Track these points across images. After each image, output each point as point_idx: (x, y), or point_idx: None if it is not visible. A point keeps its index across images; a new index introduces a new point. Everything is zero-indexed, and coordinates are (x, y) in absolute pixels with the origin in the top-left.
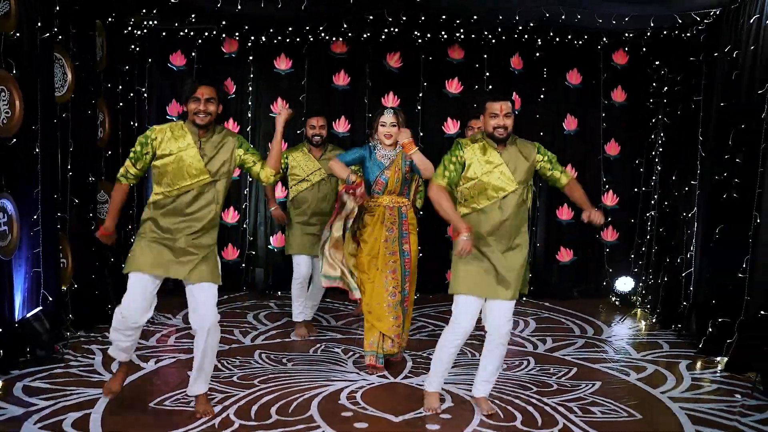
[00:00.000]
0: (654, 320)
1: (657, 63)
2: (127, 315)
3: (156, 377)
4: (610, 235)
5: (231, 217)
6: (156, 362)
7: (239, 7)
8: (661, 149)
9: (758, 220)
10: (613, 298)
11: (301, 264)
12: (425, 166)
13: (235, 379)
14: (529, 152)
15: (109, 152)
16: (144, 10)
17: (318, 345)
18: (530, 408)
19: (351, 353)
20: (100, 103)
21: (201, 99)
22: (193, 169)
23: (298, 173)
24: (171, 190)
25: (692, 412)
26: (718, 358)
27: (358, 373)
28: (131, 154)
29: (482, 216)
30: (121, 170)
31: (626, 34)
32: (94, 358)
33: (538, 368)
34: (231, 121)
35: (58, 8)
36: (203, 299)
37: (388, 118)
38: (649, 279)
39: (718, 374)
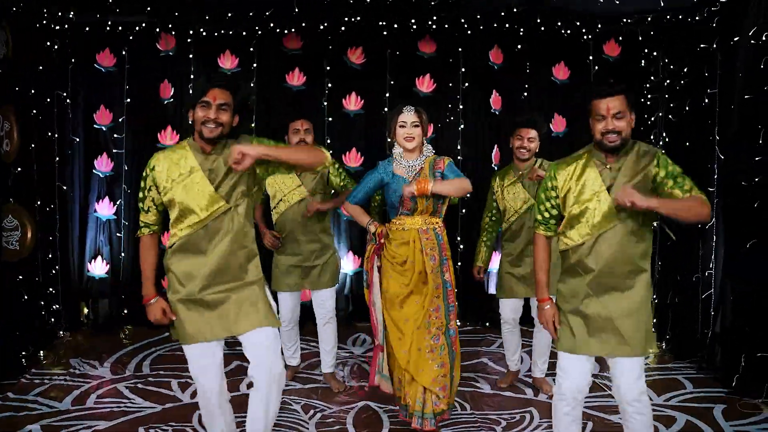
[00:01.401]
0: (664, 348)
1: (655, 53)
2: (207, 387)
3: None
4: None
5: None
6: None
7: None
8: (663, 151)
9: None
10: None
11: (282, 304)
12: (456, 189)
13: None
14: (645, 166)
15: (19, 168)
16: None
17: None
18: None
19: (313, 411)
20: (5, 110)
21: (212, 105)
22: (203, 198)
23: (276, 193)
24: (183, 227)
25: None
26: (758, 401)
27: None
28: (139, 195)
29: (573, 254)
30: (141, 220)
31: (625, 20)
32: None
33: (545, 425)
34: (169, 129)
35: None
36: (263, 345)
37: (408, 116)
38: (654, 299)
39: (761, 422)
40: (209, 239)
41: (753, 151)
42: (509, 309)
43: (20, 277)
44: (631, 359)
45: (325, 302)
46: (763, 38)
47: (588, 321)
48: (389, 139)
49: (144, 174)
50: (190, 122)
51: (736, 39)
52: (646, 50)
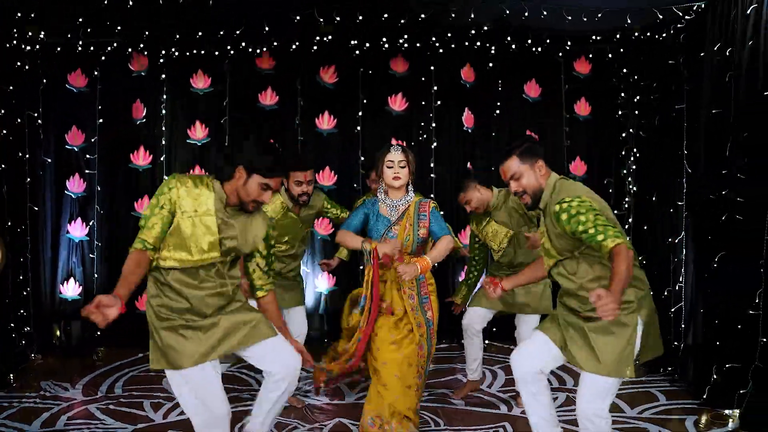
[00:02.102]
0: (638, 362)
1: (625, 70)
2: (217, 411)
3: None
4: None
5: None
6: None
7: (131, 4)
8: (634, 167)
9: None
10: None
11: None
12: (443, 253)
13: None
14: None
15: None
16: (19, 14)
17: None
18: None
19: (287, 428)
20: None
21: (270, 191)
22: (204, 242)
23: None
24: (171, 258)
25: None
26: (728, 411)
27: None
28: (146, 212)
29: None
30: (139, 236)
31: (593, 37)
32: None
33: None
34: (142, 149)
35: None
36: (280, 349)
37: (395, 155)
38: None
39: None
40: (200, 279)
41: (720, 165)
42: (471, 317)
43: None
44: (594, 378)
45: (297, 318)
46: (727, 53)
47: (566, 329)
48: (378, 178)
49: (161, 191)
50: (235, 178)
51: (701, 55)
52: (616, 66)
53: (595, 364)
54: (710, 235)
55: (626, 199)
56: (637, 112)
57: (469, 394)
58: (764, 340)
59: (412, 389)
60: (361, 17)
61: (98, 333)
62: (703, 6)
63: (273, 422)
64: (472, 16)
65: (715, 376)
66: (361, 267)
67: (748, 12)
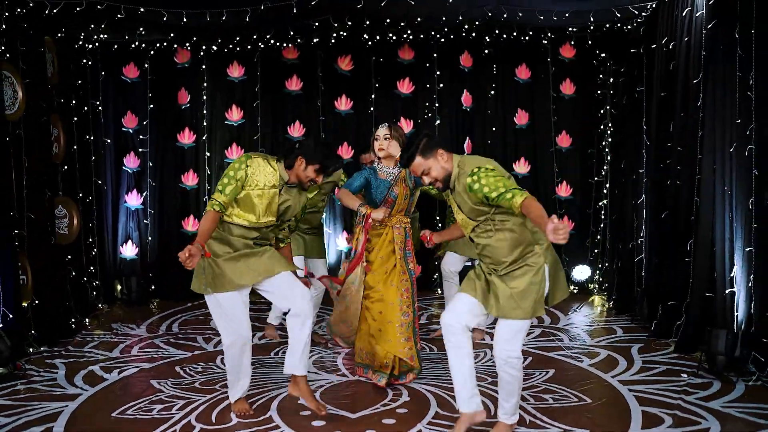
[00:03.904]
0: (610, 306)
1: (603, 55)
2: (243, 334)
3: (119, 387)
4: None
5: (191, 225)
6: (119, 372)
7: (185, 20)
8: (610, 139)
9: (699, 205)
10: (571, 287)
11: None
12: None
13: (197, 384)
14: (465, 183)
15: (66, 167)
16: (93, 25)
17: (279, 348)
18: (485, 399)
19: (312, 353)
20: (53, 118)
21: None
22: (269, 210)
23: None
24: (240, 217)
25: (640, 393)
26: (668, 341)
27: (317, 373)
28: (224, 180)
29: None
30: (216, 199)
31: (570, 29)
32: (57, 372)
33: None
34: (187, 130)
35: (4, 26)
36: (291, 285)
37: (381, 131)
38: (605, 266)
39: (667, 356)
40: (254, 238)
41: (667, 139)
42: (446, 260)
43: (69, 257)
44: (510, 322)
45: (319, 268)
46: (670, 47)
47: (488, 286)
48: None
49: (238, 166)
50: (296, 165)
51: (653, 46)
52: (597, 51)
53: (517, 311)
54: (659, 196)
55: (604, 167)
56: (611, 92)
57: None
58: (692, 281)
59: (394, 324)
60: (368, 22)
61: (152, 288)
62: (654, 5)
63: (307, 357)
64: (460, 18)
65: (660, 313)
66: (354, 224)
67: (684, 14)
